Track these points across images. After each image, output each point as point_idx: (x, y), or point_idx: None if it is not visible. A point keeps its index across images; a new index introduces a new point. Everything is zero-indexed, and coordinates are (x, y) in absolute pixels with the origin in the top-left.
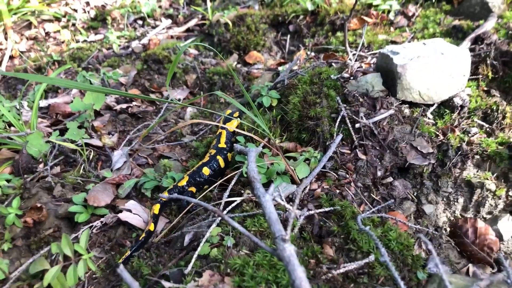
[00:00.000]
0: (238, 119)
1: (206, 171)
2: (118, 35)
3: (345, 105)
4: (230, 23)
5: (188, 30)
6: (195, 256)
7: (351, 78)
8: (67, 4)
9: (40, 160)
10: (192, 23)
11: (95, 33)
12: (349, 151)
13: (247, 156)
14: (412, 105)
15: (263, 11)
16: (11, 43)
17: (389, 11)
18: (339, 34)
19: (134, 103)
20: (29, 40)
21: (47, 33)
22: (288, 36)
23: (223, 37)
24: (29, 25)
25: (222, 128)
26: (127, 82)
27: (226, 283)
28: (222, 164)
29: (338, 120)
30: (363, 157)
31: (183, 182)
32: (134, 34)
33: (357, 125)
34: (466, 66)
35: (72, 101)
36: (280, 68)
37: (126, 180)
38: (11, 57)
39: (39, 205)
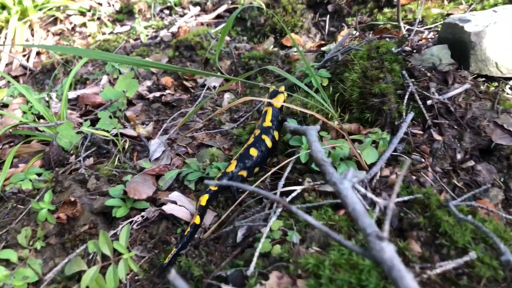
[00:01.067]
0: (285, 93)
1: (253, 152)
2: (145, 25)
3: (412, 80)
4: (264, 6)
5: (218, 16)
6: (256, 254)
7: (414, 51)
8: None
9: (72, 152)
10: (222, 9)
11: (121, 25)
12: (421, 132)
13: (305, 136)
14: (488, 79)
15: None
16: (37, 39)
17: None
18: (386, 10)
19: (167, 91)
20: (55, 35)
21: (73, 28)
22: (328, 16)
23: (257, 20)
24: (55, 21)
25: (268, 105)
26: (158, 70)
27: (299, 286)
28: (269, 144)
29: (406, 96)
30: (439, 138)
31: (232, 168)
32: (162, 24)
33: (428, 102)
34: None
35: (102, 91)
36: (324, 48)
37: (167, 171)
38: (38, 53)
39: (72, 199)
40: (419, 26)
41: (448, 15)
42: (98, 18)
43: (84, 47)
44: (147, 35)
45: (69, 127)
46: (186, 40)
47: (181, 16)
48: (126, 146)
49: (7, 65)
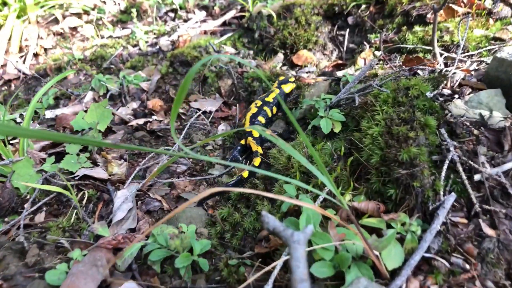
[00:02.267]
0: (294, 83)
1: (261, 119)
2: (146, 30)
3: (452, 141)
4: (275, 15)
5: (224, 23)
6: None
7: (455, 96)
8: None
9: (28, 196)
10: (229, 15)
11: (122, 27)
12: (465, 221)
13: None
14: None
15: (315, 0)
16: (35, 39)
17: None
18: (417, 28)
19: (154, 117)
20: (56, 35)
21: (75, 27)
22: (347, 30)
23: (266, 32)
24: (57, 19)
25: (277, 87)
26: (149, 88)
27: None
28: (269, 114)
29: (445, 167)
30: (491, 232)
31: (256, 134)
32: (164, 29)
33: (476, 177)
34: None
35: (74, 119)
36: (340, 74)
37: (128, 244)
38: (36, 55)
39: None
40: (457, 51)
41: (495, 39)
42: (99, 19)
43: (81, 52)
44: (147, 42)
45: (29, 164)
46: (181, 55)
47: (185, 21)
48: (91, 194)
49: (1, 66)
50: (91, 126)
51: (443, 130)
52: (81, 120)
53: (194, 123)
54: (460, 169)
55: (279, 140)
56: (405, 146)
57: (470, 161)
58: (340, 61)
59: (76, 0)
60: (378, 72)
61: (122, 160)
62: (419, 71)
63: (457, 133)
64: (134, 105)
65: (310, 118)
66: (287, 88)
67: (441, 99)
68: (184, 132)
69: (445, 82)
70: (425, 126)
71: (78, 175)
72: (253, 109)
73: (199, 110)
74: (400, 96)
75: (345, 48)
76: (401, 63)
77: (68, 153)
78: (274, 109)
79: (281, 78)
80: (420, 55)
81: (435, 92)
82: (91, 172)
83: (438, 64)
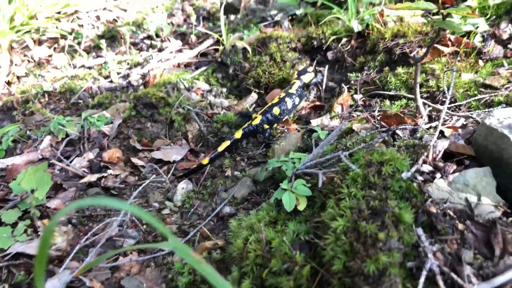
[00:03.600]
0: (313, 73)
1: (276, 111)
2: (119, 60)
3: (431, 243)
4: (250, 50)
5: (201, 54)
6: None
7: (436, 175)
8: (73, 20)
9: None
10: (205, 45)
11: (96, 55)
12: None
13: None
14: None
15: (293, 32)
16: (7, 67)
17: (473, 34)
18: (400, 70)
19: (110, 171)
20: (30, 62)
21: (50, 54)
22: (326, 67)
23: (241, 67)
24: (32, 44)
25: (297, 79)
26: (111, 133)
27: None
28: (289, 105)
29: (422, 279)
30: None
31: (257, 121)
32: (137, 60)
33: None
34: None
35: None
36: (314, 123)
37: None
38: (9, 83)
39: None
40: (443, 100)
41: (485, 86)
42: (79, 43)
43: (50, 83)
44: (119, 73)
45: None
46: (145, 96)
47: (160, 50)
48: (19, 280)
49: None
50: (29, 190)
51: (420, 230)
52: (16, 187)
53: (151, 181)
54: (441, 283)
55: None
56: (373, 253)
57: (452, 273)
58: (318, 103)
59: (52, 24)
60: (353, 126)
61: (69, 226)
62: (398, 131)
63: (437, 229)
64: (91, 155)
65: (279, 178)
66: (306, 78)
67: (420, 178)
68: (137, 191)
69: (425, 153)
70: (400, 222)
71: (10, 253)
72: (275, 99)
73: (161, 161)
74: (372, 175)
75: (323, 87)
76: (379, 117)
77: (2, 223)
78: (297, 100)
79: (300, 68)
80: (403, 102)
81: (413, 170)
82: (26, 249)
83: (421, 117)
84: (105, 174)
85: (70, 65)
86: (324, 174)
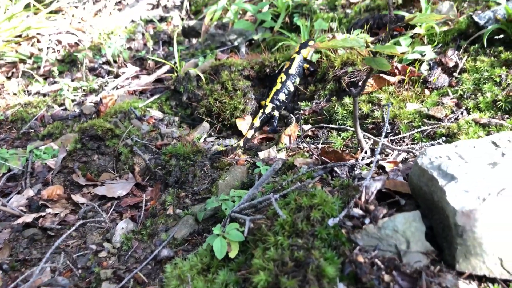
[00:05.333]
0: (313, 48)
1: (282, 96)
2: (75, 86)
3: None
4: (203, 77)
5: (158, 80)
6: None
7: (366, 218)
8: (34, 44)
9: None
10: (161, 71)
11: (53, 81)
12: None
13: None
14: (486, 280)
15: (247, 59)
16: None
17: (420, 62)
18: (347, 100)
19: (49, 210)
20: None
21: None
22: None
23: (194, 95)
24: None
25: (297, 53)
26: (55, 167)
27: None
28: (291, 88)
29: None
30: None
31: (268, 109)
32: (92, 86)
33: None
34: None
35: None
36: (261, 155)
37: None
38: None
39: None
40: (386, 131)
41: (429, 117)
42: (38, 67)
43: (3, 111)
44: (74, 100)
45: None
46: (91, 128)
47: (116, 76)
48: None
49: None
50: None
51: (341, 286)
52: None
53: (90, 220)
54: None
55: None
56: None
57: None
58: (269, 135)
59: (10, 48)
60: (295, 161)
61: (0, 271)
62: (336, 169)
63: (362, 281)
64: (31, 192)
65: (222, 216)
66: (305, 52)
67: (349, 223)
68: (64, 236)
69: (357, 195)
70: (323, 276)
71: None
72: (278, 84)
73: (105, 197)
74: (301, 221)
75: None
76: (319, 153)
77: None
78: (297, 79)
79: (303, 40)
80: (349, 133)
81: (342, 215)
82: None
83: (362, 151)
84: (43, 214)
85: (25, 91)
86: (252, 221)
